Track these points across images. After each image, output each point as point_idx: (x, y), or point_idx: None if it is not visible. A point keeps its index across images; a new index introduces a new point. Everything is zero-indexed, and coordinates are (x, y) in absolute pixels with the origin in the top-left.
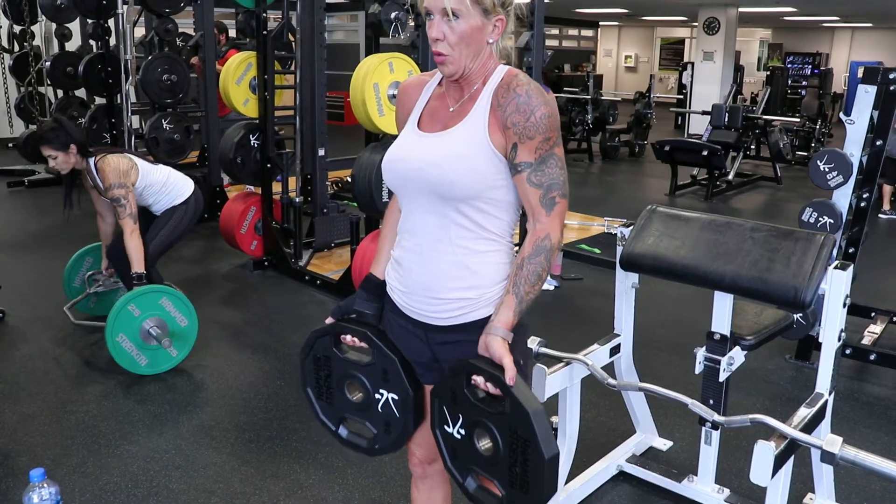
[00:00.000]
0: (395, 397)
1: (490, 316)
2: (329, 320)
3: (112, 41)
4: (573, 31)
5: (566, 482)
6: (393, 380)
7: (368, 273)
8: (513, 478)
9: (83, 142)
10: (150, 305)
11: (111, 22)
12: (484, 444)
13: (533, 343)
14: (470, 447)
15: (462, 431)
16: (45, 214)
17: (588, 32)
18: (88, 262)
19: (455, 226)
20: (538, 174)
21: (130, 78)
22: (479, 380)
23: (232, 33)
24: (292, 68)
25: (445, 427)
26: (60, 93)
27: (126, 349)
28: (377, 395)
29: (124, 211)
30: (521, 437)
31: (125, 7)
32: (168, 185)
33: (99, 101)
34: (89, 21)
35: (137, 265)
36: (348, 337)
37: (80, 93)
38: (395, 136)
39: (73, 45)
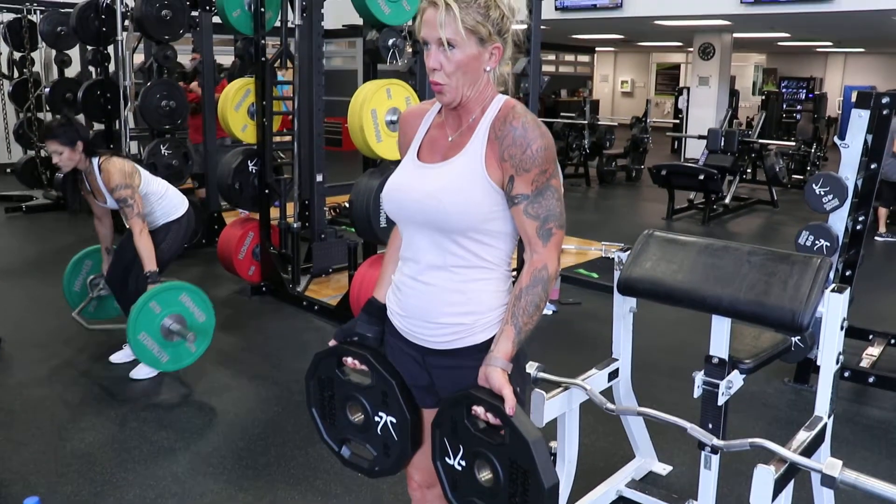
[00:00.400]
0: (394, 420)
1: (485, 341)
2: (332, 343)
3: (111, 67)
4: (570, 57)
5: None
6: (391, 403)
7: (371, 297)
8: None
9: (90, 141)
10: (171, 302)
11: (110, 48)
12: (484, 474)
13: (531, 368)
14: (470, 478)
15: (463, 463)
16: (43, 240)
17: (584, 58)
18: (88, 265)
19: (452, 255)
20: (535, 206)
21: (129, 104)
22: (479, 410)
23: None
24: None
25: (446, 459)
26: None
27: (148, 347)
28: (377, 418)
29: (132, 211)
30: (520, 468)
31: (124, 34)
32: (166, 198)
33: (98, 126)
34: (89, 48)
35: (150, 264)
36: (349, 359)
37: (80, 118)
38: (392, 162)
39: (72, 72)
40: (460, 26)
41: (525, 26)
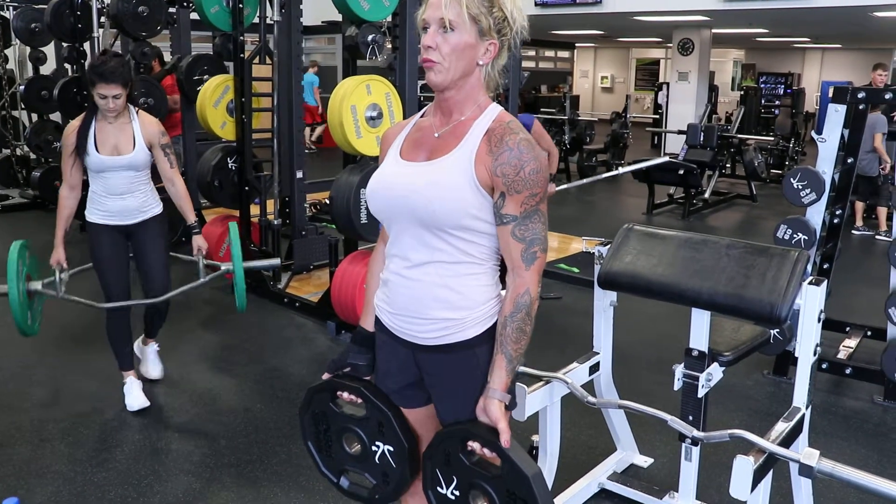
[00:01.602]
0: (391, 449)
1: (475, 336)
2: (325, 376)
3: (87, 65)
4: (550, 53)
5: None
6: (388, 433)
7: (358, 326)
8: None
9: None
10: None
11: (86, 45)
12: None
13: None
14: None
15: (456, 493)
16: (18, 239)
17: (564, 54)
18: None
19: (439, 251)
20: (521, 228)
21: None
22: (475, 446)
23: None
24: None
25: (438, 489)
26: (35, 117)
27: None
28: (374, 447)
29: (174, 160)
30: (518, 498)
31: (101, 31)
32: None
33: None
34: (64, 44)
35: (192, 214)
36: (345, 394)
37: (56, 116)
38: (372, 158)
39: (47, 69)
40: (464, 10)
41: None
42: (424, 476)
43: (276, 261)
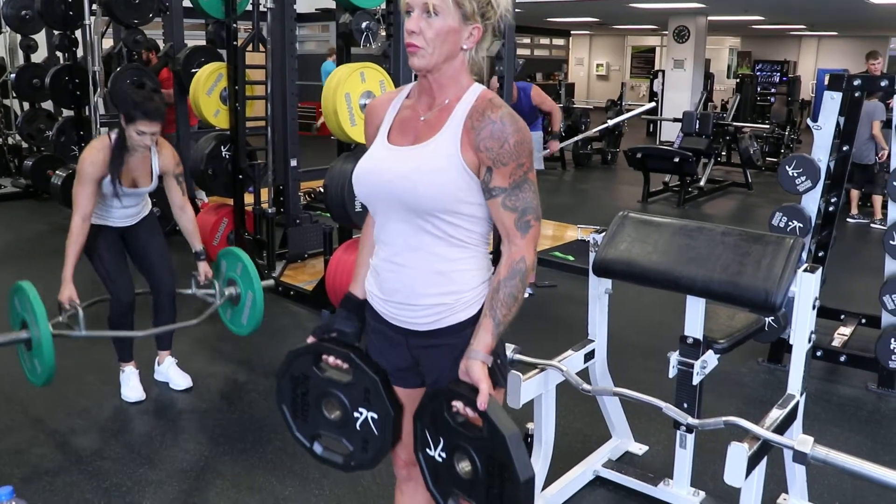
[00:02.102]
0: (375, 416)
1: (467, 319)
2: (311, 339)
3: (79, 52)
4: (545, 40)
5: (543, 489)
6: (374, 399)
7: (348, 292)
8: (491, 500)
9: None
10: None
11: (78, 33)
12: (463, 466)
13: (508, 350)
14: (450, 470)
15: (443, 454)
16: (13, 230)
17: (559, 41)
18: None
19: (427, 235)
20: (512, 199)
21: (99, 90)
22: (458, 405)
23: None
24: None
25: (427, 450)
26: (27, 105)
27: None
28: (356, 414)
29: (185, 187)
30: (497, 461)
31: (93, 18)
32: None
33: (67, 113)
34: (55, 32)
35: (199, 243)
36: (331, 358)
37: (47, 105)
38: (366, 147)
39: (38, 57)
40: None
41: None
42: (415, 437)
43: (270, 281)
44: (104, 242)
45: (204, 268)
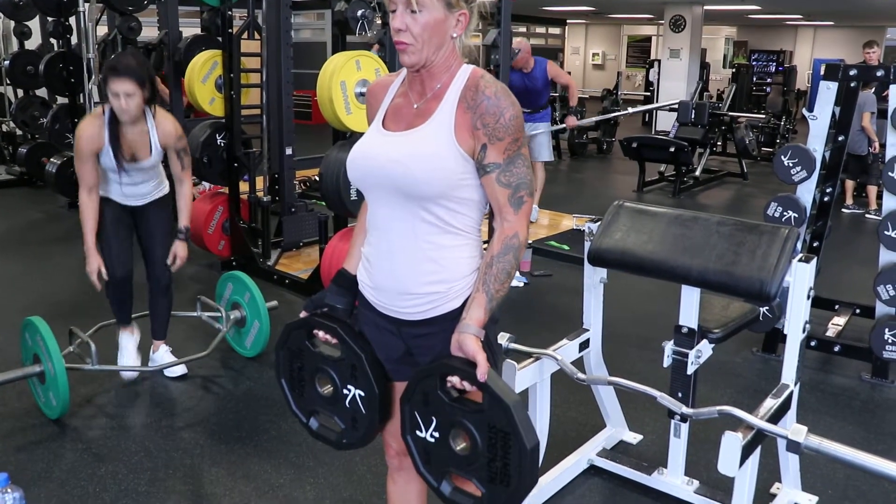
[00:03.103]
0: (362, 394)
1: (460, 307)
2: (303, 314)
3: (74, 39)
4: (540, 29)
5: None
6: (360, 376)
7: (341, 268)
8: (493, 473)
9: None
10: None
11: (72, 20)
12: (460, 443)
13: (503, 339)
14: (445, 449)
15: (436, 434)
16: (8, 217)
17: (555, 30)
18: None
19: (421, 222)
20: (507, 174)
21: (93, 77)
22: (454, 380)
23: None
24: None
25: (417, 432)
26: (21, 92)
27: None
28: (345, 391)
29: (187, 161)
30: (500, 431)
31: (87, 5)
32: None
33: (61, 100)
34: (49, 19)
35: (187, 218)
36: (320, 333)
37: (41, 92)
38: (362, 134)
39: (32, 44)
40: None
41: None
42: (403, 421)
43: (274, 303)
44: (109, 215)
45: (179, 248)
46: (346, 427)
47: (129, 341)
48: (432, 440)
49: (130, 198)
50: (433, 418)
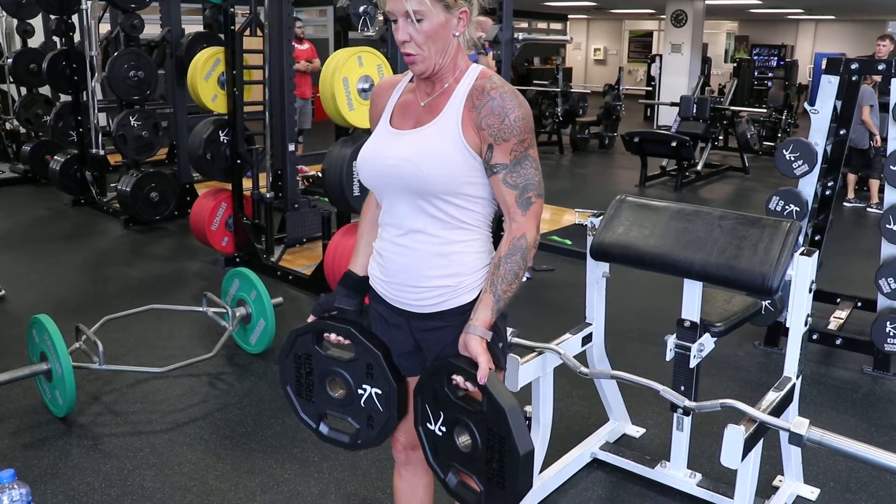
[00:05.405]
0: (379, 391)
1: (469, 302)
2: (311, 318)
3: (76, 37)
4: (542, 25)
5: (541, 471)
6: (377, 374)
7: (347, 270)
8: (490, 473)
9: None
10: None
11: (75, 18)
12: (463, 440)
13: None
14: (450, 444)
15: (443, 428)
16: (12, 215)
17: (557, 25)
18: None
19: (431, 218)
20: (514, 175)
21: (96, 74)
22: (458, 379)
23: (199, 27)
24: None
25: (428, 424)
26: (24, 90)
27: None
28: (360, 391)
29: None
30: (497, 435)
31: (89, 3)
32: None
33: (64, 98)
34: (52, 17)
35: None
36: (333, 336)
37: (45, 90)
38: (365, 131)
39: (35, 42)
40: None
41: None
42: (415, 412)
43: (279, 299)
44: None
45: None
46: (360, 427)
47: None
48: (440, 434)
49: None
50: (441, 413)
